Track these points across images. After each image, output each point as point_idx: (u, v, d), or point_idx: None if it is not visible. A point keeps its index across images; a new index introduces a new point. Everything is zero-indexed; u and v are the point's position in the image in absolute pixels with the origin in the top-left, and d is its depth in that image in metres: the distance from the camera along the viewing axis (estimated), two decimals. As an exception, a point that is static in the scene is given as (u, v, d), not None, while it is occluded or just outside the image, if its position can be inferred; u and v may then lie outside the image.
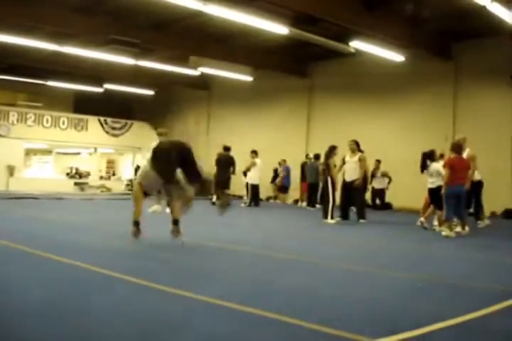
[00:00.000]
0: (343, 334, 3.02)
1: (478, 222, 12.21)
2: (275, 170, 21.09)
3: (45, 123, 22.92)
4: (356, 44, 15.44)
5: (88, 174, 25.45)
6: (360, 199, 12.71)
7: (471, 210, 12.41)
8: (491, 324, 3.44)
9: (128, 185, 25.40)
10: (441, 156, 11.28)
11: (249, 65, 19.64)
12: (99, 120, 24.47)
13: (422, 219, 11.08)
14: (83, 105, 25.03)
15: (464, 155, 10.40)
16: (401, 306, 3.87)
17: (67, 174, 25.40)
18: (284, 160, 20.10)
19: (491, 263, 6.56)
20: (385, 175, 17.21)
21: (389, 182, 17.38)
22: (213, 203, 16.68)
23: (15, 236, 7.04)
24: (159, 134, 12.97)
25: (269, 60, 19.75)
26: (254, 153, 17.13)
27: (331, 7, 13.37)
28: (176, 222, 7.24)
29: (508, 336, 3.04)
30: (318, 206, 17.10)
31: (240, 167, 17.66)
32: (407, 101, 18.36)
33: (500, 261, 6.79)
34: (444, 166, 10.14)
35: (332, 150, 12.28)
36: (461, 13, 14.05)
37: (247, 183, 17.19)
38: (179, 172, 7.11)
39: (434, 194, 10.69)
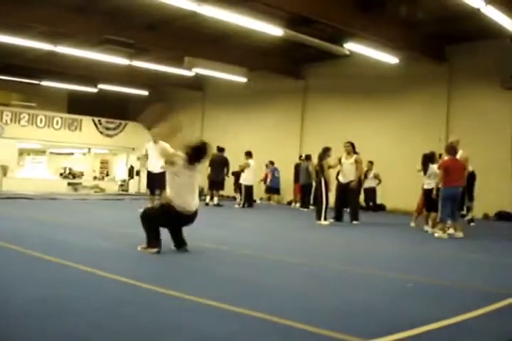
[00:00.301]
0: (335, 334, 3.03)
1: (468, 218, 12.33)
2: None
3: (38, 123, 22.86)
4: (350, 46, 15.47)
5: (82, 174, 25.39)
6: (354, 201, 12.73)
7: (464, 212, 12.49)
8: (484, 325, 3.45)
9: (121, 185, 25.38)
10: (440, 157, 11.25)
11: (243, 66, 19.64)
12: (93, 120, 24.41)
13: (427, 228, 10.97)
14: (77, 105, 24.95)
15: (458, 156, 10.42)
16: (393, 307, 3.88)
17: (61, 174, 25.33)
18: (272, 162, 20.10)
19: (484, 265, 6.58)
20: (376, 176, 17.23)
21: (378, 184, 17.39)
22: (207, 204, 16.68)
23: (7, 235, 7.02)
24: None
25: (263, 61, 19.76)
26: (248, 154, 17.13)
27: (325, 9, 13.39)
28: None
29: (500, 337, 3.05)
30: (311, 207, 17.14)
31: (233, 168, 17.68)
32: (401, 103, 18.40)
33: (493, 262, 6.82)
34: (439, 168, 10.17)
35: (326, 152, 12.29)
36: (455, 15, 14.09)
37: (241, 184, 17.19)
38: None
39: (428, 195, 10.73)
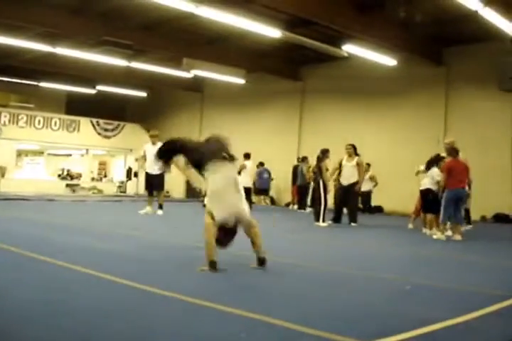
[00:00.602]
0: (331, 336, 3.04)
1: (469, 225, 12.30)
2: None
3: (37, 124, 22.83)
4: (349, 48, 15.49)
5: (80, 175, 25.37)
6: (353, 203, 12.73)
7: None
8: (486, 325, 3.46)
9: (119, 186, 25.36)
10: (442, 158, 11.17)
11: (241, 68, 19.65)
12: (91, 121, 24.39)
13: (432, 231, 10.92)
14: (75, 106, 24.96)
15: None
16: (390, 308, 3.89)
17: (59, 175, 25.31)
18: (261, 163, 20.05)
19: (483, 266, 6.59)
20: (372, 178, 17.20)
21: (375, 186, 17.35)
22: (205, 206, 16.67)
23: (3, 237, 7.02)
24: (151, 136, 13.01)
25: (261, 63, 19.78)
26: (247, 156, 17.13)
27: (323, 11, 13.41)
28: (262, 262, 5.38)
29: (496, 339, 3.07)
30: (308, 209, 17.17)
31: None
32: (399, 104, 18.42)
33: (492, 264, 6.83)
34: (442, 170, 10.15)
35: (324, 154, 12.30)
36: (453, 18, 14.13)
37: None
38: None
39: (422, 195, 10.76)
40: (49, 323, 3.17)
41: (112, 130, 25.00)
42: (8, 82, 22.28)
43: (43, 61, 19.25)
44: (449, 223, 10.22)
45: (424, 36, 16.19)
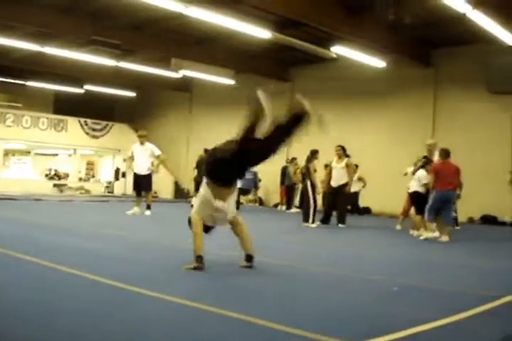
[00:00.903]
0: (318, 337, 3.03)
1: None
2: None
3: (24, 123, 22.68)
4: (337, 49, 15.51)
5: (67, 175, 25.26)
6: (342, 205, 12.72)
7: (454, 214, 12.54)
8: (469, 327, 3.47)
9: (107, 187, 25.26)
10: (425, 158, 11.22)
11: (230, 68, 19.64)
12: (79, 121, 24.26)
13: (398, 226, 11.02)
14: (63, 106, 24.81)
15: (435, 159, 10.47)
16: (379, 309, 3.89)
17: (46, 175, 25.19)
18: None
19: (470, 267, 6.62)
20: (360, 179, 17.22)
21: (363, 187, 17.37)
22: (192, 206, 16.64)
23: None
24: (139, 136, 12.96)
25: (250, 64, 19.77)
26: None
27: (313, 12, 13.42)
28: (250, 258, 5.45)
29: (485, 339, 3.07)
30: (295, 209, 17.25)
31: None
32: (387, 106, 18.48)
33: (479, 265, 6.86)
34: (430, 172, 10.20)
35: (313, 154, 12.31)
36: (441, 20, 14.18)
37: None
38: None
39: (412, 198, 10.83)
40: (37, 323, 3.14)
41: (100, 130, 24.88)
42: (-5, 81, 22.17)
43: (31, 60, 19.12)
44: (434, 224, 10.28)
45: (412, 38, 16.24)
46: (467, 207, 14.54)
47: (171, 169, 14.68)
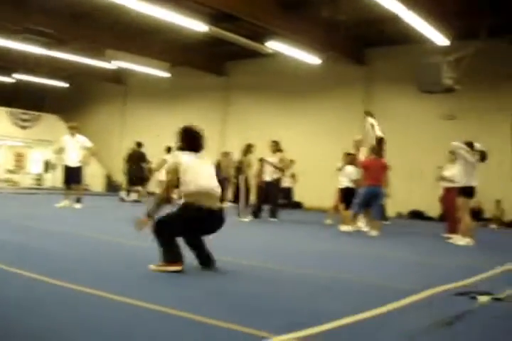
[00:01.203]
0: (244, 329, 3.04)
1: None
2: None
3: (-52, 112, 21.86)
4: (273, 44, 15.57)
5: (-6, 167, 24.50)
6: (274, 199, 12.82)
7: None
8: (388, 321, 3.55)
9: (37, 179, 24.64)
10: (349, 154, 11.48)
11: (166, 61, 19.47)
12: (6, 111, 23.49)
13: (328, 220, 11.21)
14: (-10, 95, 24.03)
15: (361, 155, 10.73)
16: (304, 303, 3.93)
17: (-28, 166, 24.37)
18: None
19: (397, 261, 6.77)
20: (293, 176, 17.37)
21: (294, 183, 17.52)
22: (122, 200, 16.46)
23: None
24: (70, 128, 12.69)
25: (186, 57, 19.65)
26: (169, 150, 16.98)
27: (248, 6, 13.44)
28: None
29: (405, 332, 3.15)
30: (229, 203, 17.26)
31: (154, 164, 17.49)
32: (321, 102, 18.72)
33: (406, 259, 7.02)
34: (360, 167, 10.47)
35: (248, 149, 12.36)
36: (376, 19, 14.46)
37: (159, 181, 16.98)
38: None
39: (343, 194, 11.04)
40: None
41: (29, 120, 24.14)
42: None
43: (-44, 47, 18.45)
44: (363, 219, 10.55)
45: (347, 36, 16.48)
46: (396, 203, 14.89)
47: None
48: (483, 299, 4.21)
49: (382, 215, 13.04)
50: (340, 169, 11.56)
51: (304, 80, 18.59)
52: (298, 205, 18.04)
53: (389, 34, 15.84)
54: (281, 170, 12.62)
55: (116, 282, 4.34)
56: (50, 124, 23.99)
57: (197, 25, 14.17)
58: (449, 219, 10.47)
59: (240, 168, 12.44)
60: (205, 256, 5.22)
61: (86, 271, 4.79)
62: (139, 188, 16.93)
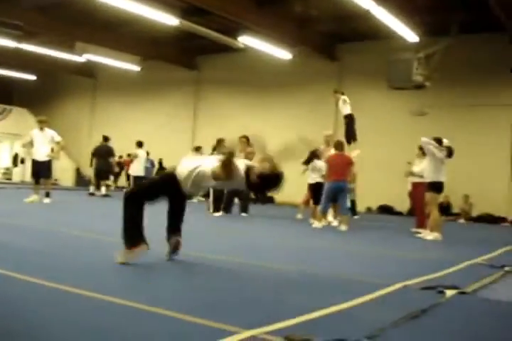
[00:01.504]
0: (213, 324, 3.04)
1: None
2: (160, 163, 20.97)
3: None
4: (244, 39, 15.58)
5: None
6: (245, 194, 12.81)
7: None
8: (355, 315, 3.58)
9: (5, 173, 24.30)
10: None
11: (137, 55, 19.34)
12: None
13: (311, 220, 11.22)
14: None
15: (332, 150, 10.82)
16: (273, 297, 3.94)
17: None
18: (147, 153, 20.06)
19: (366, 256, 6.81)
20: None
21: None
22: (91, 194, 16.33)
23: None
24: (39, 122, 12.52)
25: (157, 51, 19.54)
26: (139, 144, 16.88)
27: (220, 1, 13.42)
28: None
29: (372, 325, 3.18)
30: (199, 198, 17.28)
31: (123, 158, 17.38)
32: (292, 97, 18.77)
33: (375, 253, 7.08)
34: (325, 162, 10.55)
35: (220, 143, 12.32)
36: (347, 15, 14.53)
37: (129, 175, 16.89)
38: None
39: (313, 189, 11.10)
40: None
41: (-2, 114, 23.82)
42: None
43: None
44: (331, 213, 10.67)
45: (319, 32, 16.55)
46: (366, 198, 15.02)
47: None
48: (450, 293, 4.26)
49: (352, 210, 13.22)
50: (304, 163, 11.59)
51: (276, 75, 18.61)
52: (270, 200, 18.08)
53: (361, 30, 15.93)
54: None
55: (85, 276, 4.31)
56: (19, 118, 23.69)
57: (168, 19, 14.10)
58: (417, 213, 10.59)
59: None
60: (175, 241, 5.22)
61: (53, 265, 4.74)
62: (108, 182, 16.78)
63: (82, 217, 9.73)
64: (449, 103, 16.25)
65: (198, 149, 17.93)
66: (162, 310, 3.29)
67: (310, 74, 18.26)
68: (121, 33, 18.04)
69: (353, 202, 13.71)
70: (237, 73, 19.69)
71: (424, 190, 9.41)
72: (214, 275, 4.73)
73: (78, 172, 23.49)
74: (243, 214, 12.28)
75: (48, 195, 12.29)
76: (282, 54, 16.85)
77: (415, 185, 10.47)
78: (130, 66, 19.68)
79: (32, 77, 23.91)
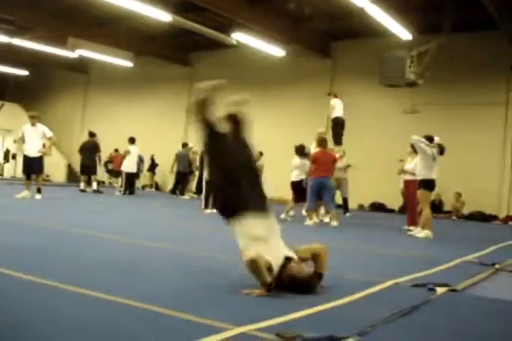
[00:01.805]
0: (204, 321, 3.04)
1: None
2: (152, 159, 20.98)
3: None
4: (238, 36, 15.56)
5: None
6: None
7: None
8: (350, 311, 3.59)
9: (-4, 168, 24.21)
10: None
11: (129, 51, 19.27)
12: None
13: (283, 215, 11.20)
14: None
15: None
16: (266, 295, 3.93)
17: None
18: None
19: (355, 253, 6.83)
20: (261, 166, 17.43)
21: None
22: (83, 190, 16.29)
23: None
24: (31, 117, 12.46)
25: (150, 47, 19.50)
26: (131, 140, 16.85)
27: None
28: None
29: (363, 322, 3.18)
30: (190, 195, 17.33)
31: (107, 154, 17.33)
32: (286, 95, 18.77)
33: (364, 251, 7.09)
34: (310, 159, 10.59)
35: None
36: (341, 12, 14.52)
37: (122, 171, 16.85)
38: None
39: (296, 186, 11.14)
40: None
41: (-12, 109, 23.68)
42: None
43: None
44: (322, 210, 10.73)
45: (313, 29, 16.55)
46: (358, 195, 15.05)
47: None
48: (440, 290, 4.28)
49: (344, 208, 13.28)
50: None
51: (269, 72, 18.60)
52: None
53: (354, 27, 15.93)
54: None
55: (73, 272, 4.30)
56: (11, 113, 23.55)
57: (161, 15, 14.05)
58: (409, 211, 10.62)
59: (203, 160, 12.39)
60: None
61: (41, 261, 4.73)
62: (94, 177, 16.70)
63: (72, 213, 9.70)
64: (441, 101, 16.28)
65: (184, 145, 17.98)
66: (152, 307, 3.29)
67: (303, 71, 18.25)
68: (114, 28, 17.97)
69: (345, 200, 13.73)
70: (230, 70, 19.63)
71: (415, 188, 9.44)
72: (205, 272, 4.73)
73: (70, 168, 23.41)
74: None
75: (39, 190, 12.24)
76: (276, 51, 16.84)
77: (407, 182, 10.48)
78: (123, 62, 19.60)
79: (24, 73, 23.80)
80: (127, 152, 16.59)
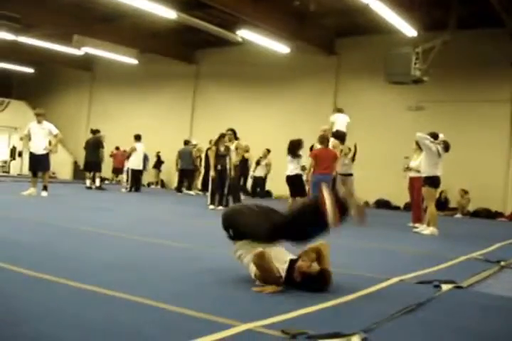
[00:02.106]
0: (211, 317, 3.06)
1: None
2: (158, 156, 20.99)
3: None
4: (243, 33, 15.53)
5: (-42, 154, 24.05)
6: (233, 187, 12.71)
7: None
8: (357, 308, 3.60)
9: (2, 166, 24.27)
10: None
11: (135, 48, 19.27)
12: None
13: None
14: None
15: (330, 145, 10.80)
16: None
17: None
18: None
19: (358, 250, 6.84)
20: (268, 164, 17.43)
21: (267, 172, 17.56)
22: (89, 187, 16.33)
23: None
24: (37, 115, 12.50)
25: (155, 44, 19.50)
26: (137, 137, 16.88)
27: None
28: None
29: (369, 318, 3.20)
30: (196, 192, 17.38)
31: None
32: (291, 91, 18.75)
33: (367, 248, 7.10)
34: (310, 156, 10.57)
35: (220, 138, 12.28)
36: (346, 9, 14.49)
37: (128, 168, 16.88)
38: None
39: (292, 181, 11.07)
40: None
41: (-4, 106, 23.75)
42: None
43: None
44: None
45: (318, 26, 16.50)
46: (363, 192, 15.01)
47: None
48: (446, 287, 4.29)
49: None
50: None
51: (275, 69, 18.59)
52: (268, 194, 18.07)
53: (359, 24, 15.90)
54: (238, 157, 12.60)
55: (75, 268, 4.33)
56: (17, 110, 23.61)
57: (166, 12, 14.04)
58: (414, 208, 10.61)
59: (209, 158, 12.38)
60: None
61: (46, 257, 4.75)
62: (98, 174, 16.72)
63: (78, 211, 9.74)
64: (447, 98, 16.25)
65: (187, 143, 18.00)
66: (157, 303, 3.31)
67: (309, 68, 18.23)
68: (119, 26, 17.97)
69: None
70: (235, 67, 19.65)
71: (421, 185, 9.43)
72: (211, 269, 4.75)
73: (76, 166, 23.46)
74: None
75: (45, 188, 12.29)
76: (280, 48, 16.82)
77: (412, 179, 10.47)
78: (128, 59, 19.60)
79: (30, 70, 23.83)
80: (133, 149, 16.62)
